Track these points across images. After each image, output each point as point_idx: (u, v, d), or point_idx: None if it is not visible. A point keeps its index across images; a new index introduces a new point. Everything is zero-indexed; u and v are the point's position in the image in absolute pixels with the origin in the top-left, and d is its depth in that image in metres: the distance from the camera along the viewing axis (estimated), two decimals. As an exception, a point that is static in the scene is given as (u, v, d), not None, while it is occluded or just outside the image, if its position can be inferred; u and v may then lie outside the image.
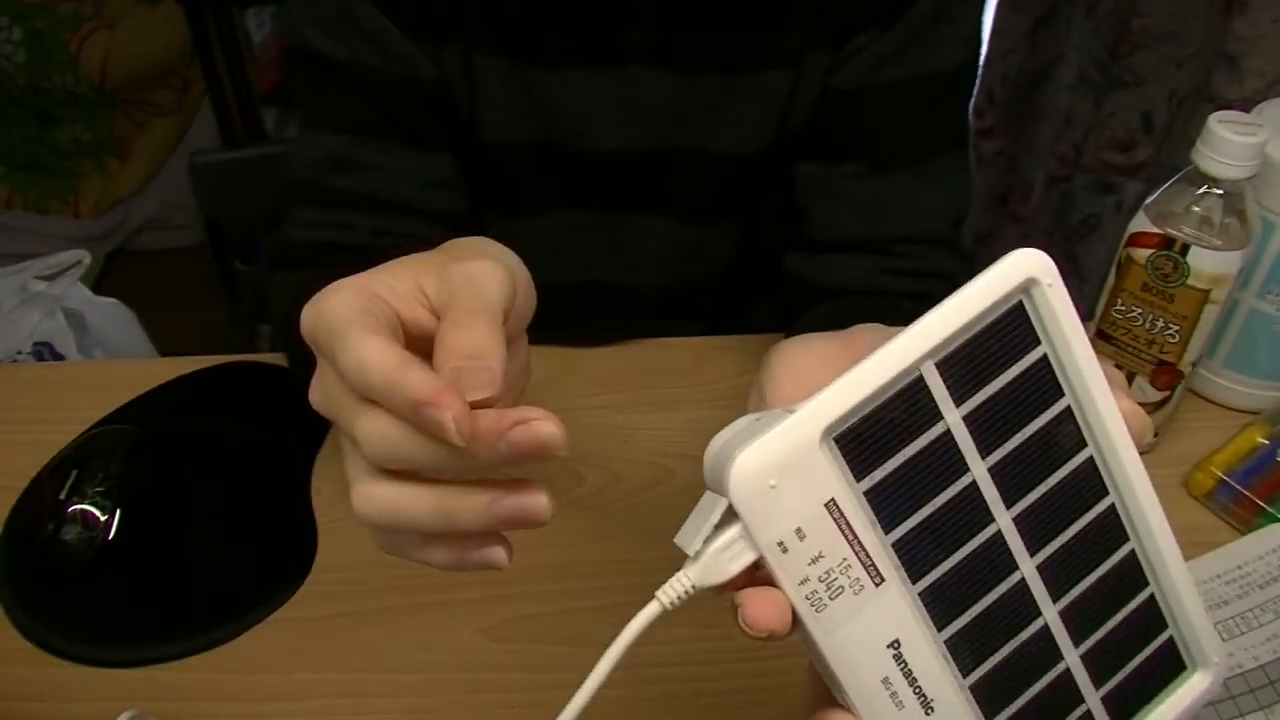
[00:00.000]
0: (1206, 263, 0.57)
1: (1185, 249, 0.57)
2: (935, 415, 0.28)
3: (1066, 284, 0.29)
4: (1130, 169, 1.33)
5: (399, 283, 0.35)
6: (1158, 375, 0.62)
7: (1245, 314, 0.66)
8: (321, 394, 0.34)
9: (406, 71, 0.64)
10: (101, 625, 0.56)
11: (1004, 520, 0.29)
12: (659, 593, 0.30)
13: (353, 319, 0.32)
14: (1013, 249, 0.29)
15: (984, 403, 0.28)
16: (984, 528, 0.29)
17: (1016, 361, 0.29)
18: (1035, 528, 0.30)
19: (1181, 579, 0.32)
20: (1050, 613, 0.30)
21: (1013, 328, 0.29)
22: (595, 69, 0.66)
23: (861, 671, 0.28)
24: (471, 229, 0.71)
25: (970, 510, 0.29)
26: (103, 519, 0.59)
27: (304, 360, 0.36)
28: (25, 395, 0.71)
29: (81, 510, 0.59)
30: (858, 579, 0.28)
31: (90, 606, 0.57)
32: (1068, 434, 0.30)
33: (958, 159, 0.69)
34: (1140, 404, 0.66)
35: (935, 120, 0.68)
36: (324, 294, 0.33)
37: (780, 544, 0.27)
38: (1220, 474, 0.62)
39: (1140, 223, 0.59)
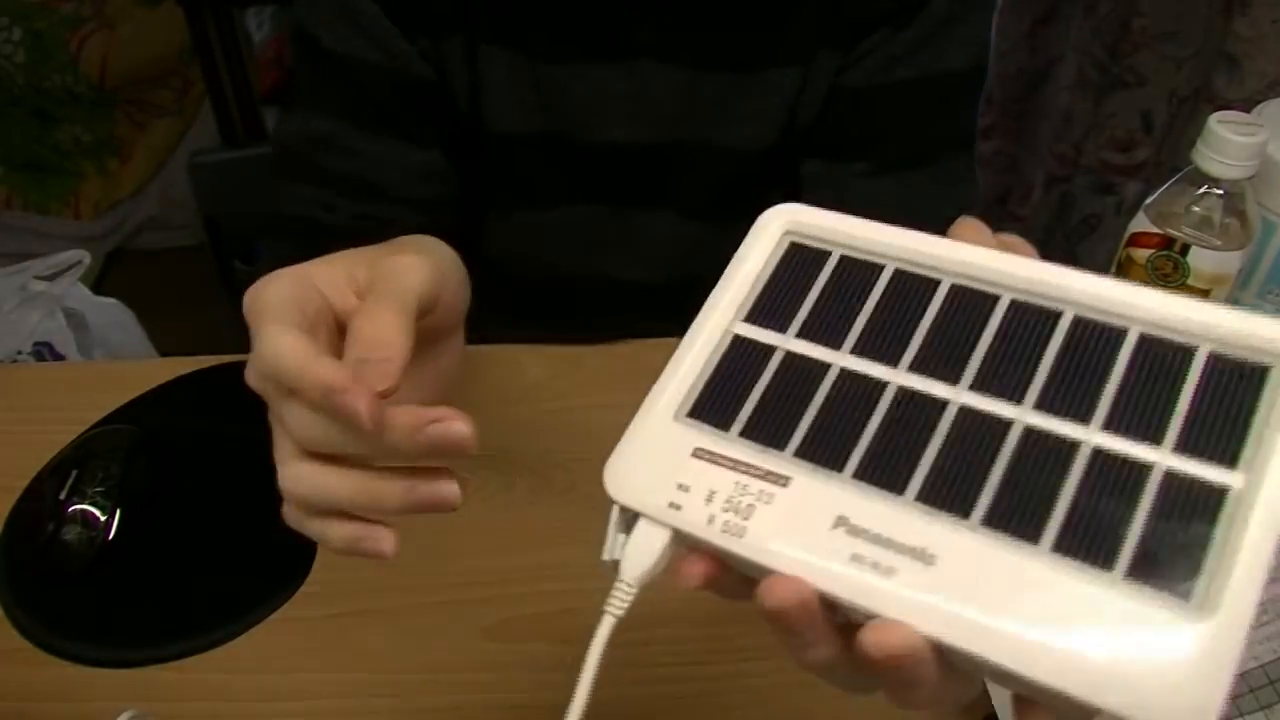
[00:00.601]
0: (1206, 263, 0.57)
1: (1185, 249, 0.57)
2: (769, 350, 0.30)
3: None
4: (1130, 169, 1.33)
5: (334, 272, 0.38)
6: (1158, 375, 0.62)
7: (1245, 314, 0.66)
8: (255, 376, 0.36)
9: (400, 68, 0.65)
10: (101, 625, 0.56)
11: (899, 378, 0.29)
12: (606, 606, 0.30)
13: (272, 312, 0.35)
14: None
15: (809, 316, 0.31)
16: (881, 393, 0.29)
17: (819, 274, 0.31)
18: (937, 363, 0.29)
19: (1167, 303, 0.28)
20: (1023, 414, 0.27)
21: (798, 259, 0.32)
22: (603, 62, 0.66)
23: (822, 559, 0.27)
24: (457, 218, 0.71)
25: (856, 389, 0.29)
26: (103, 519, 0.59)
27: None
28: (25, 395, 0.71)
29: (81, 510, 0.59)
30: (761, 490, 0.28)
31: (90, 606, 0.57)
32: (913, 286, 0.30)
33: (964, 162, 0.69)
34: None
35: (944, 122, 0.68)
36: (264, 281, 0.36)
37: (671, 504, 0.29)
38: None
39: (1140, 223, 0.59)
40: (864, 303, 0.30)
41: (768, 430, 0.29)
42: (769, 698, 0.53)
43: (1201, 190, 0.57)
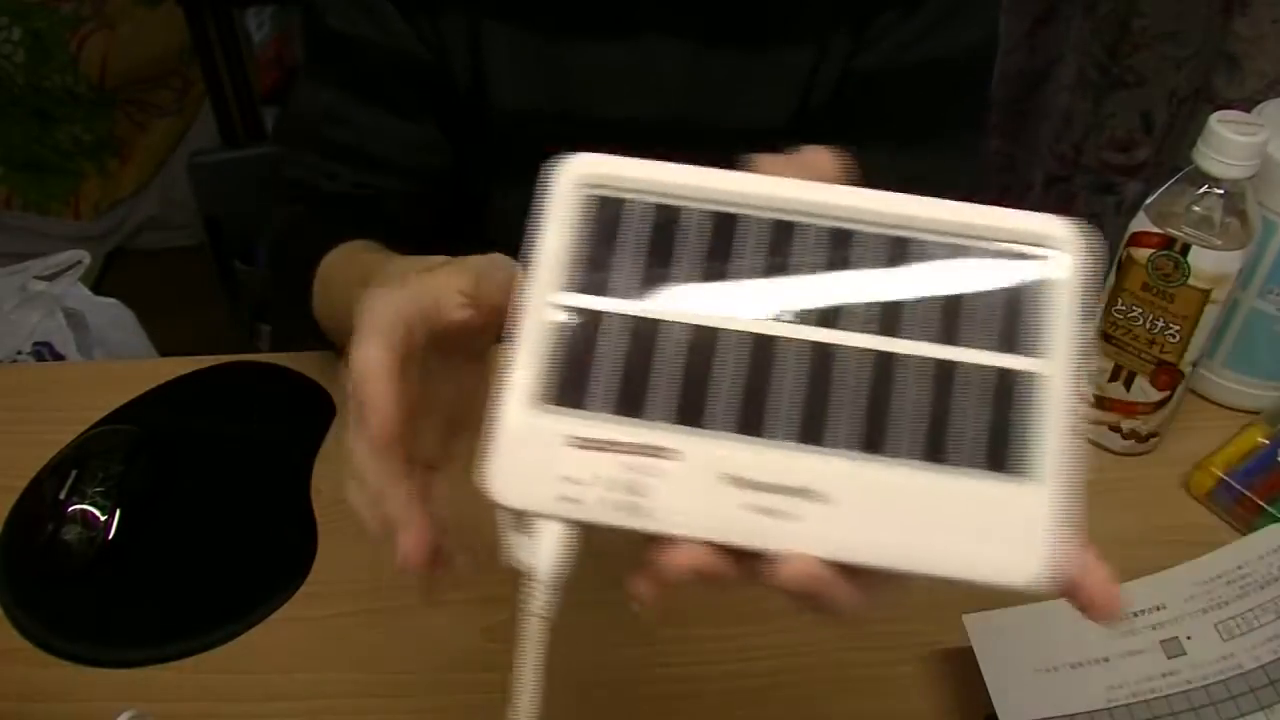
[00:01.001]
0: (1207, 262, 0.57)
1: (1186, 249, 0.57)
2: (600, 317, 0.29)
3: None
4: (1130, 169, 1.33)
5: (443, 289, 0.35)
6: (1158, 375, 0.62)
7: (1245, 314, 0.66)
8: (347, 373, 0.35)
9: (397, 47, 0.67)
10: (101, 625, 0.56)
11: (735, 323, 0.29)
12: (530, 609, 0.30)
13: (377, 326, 0.33)
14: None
15: (630, 272, 0.30)
16: (723, 340, 0.29)
17: (630, 229, 0.30)
18: (766, 300, 0.29)
19: (962, 212, 0.30)
20: (853, 338, 0.29)
21: (604, 213, 0.30)
22: (608, 38, 0.67)
23: (722, 517, 0.28)
24: (451, 189, 0.73)
25: (699, 341, 0.29)
26: (103, 519, 0.59)
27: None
28: (25, 395, 0.71)
29: (81, 510, 0.59)
30: (647, 464, 0.28)
31: (90, 606, 0.57)
32: (723, 226, 0.30)
33: (976, 141, 0.73)
34: (1141, 404, 0.66)
35: (957, 100, 0.71)
36: (360, 343, 0.34)
37: (563, 497, 0.28)
38: (1220, 474, 0.62)
39: (1140, 222, 0.59)
40: (682, 249, 0.30)
41: (629, 402, 0.28)
42: (769, 698, 0.53)
43: (1202, 190, 0.57)
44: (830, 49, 0.68)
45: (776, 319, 0.29)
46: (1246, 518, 0.61)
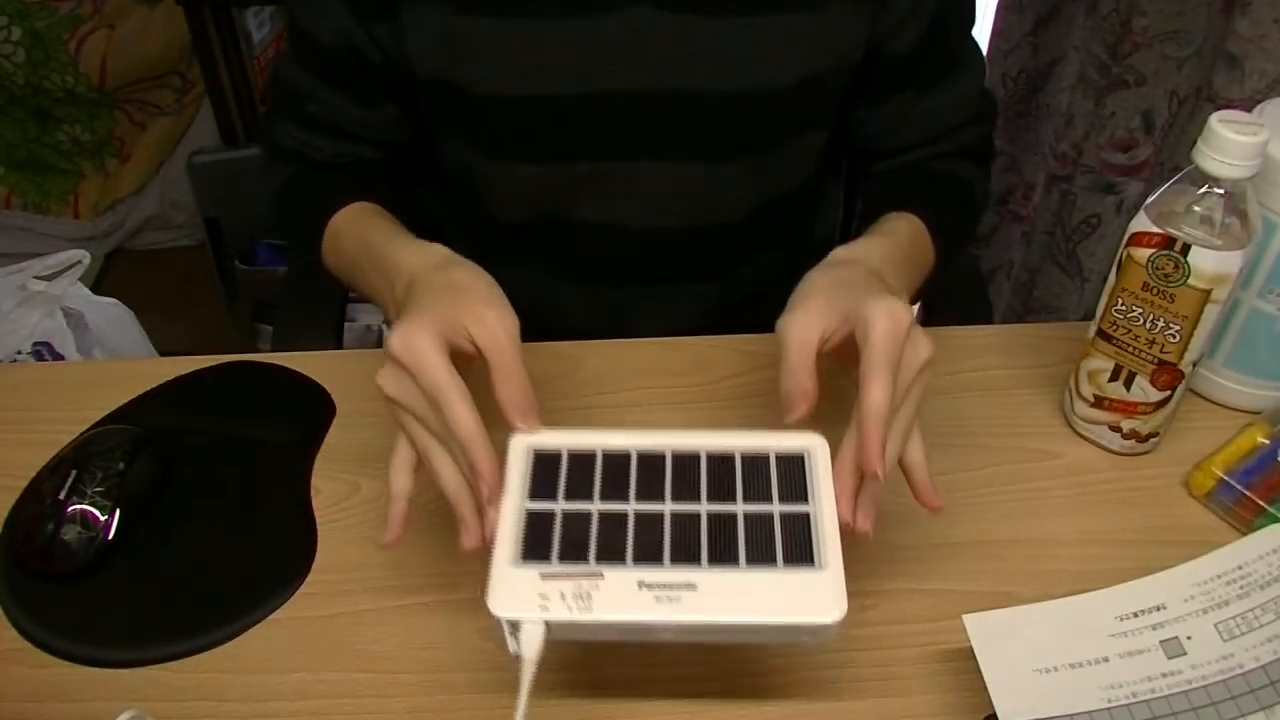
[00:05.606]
0: (1208, 262, 0.57)
1: (1186, 249, 0.57)
2: (551, 512, 0.49)
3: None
4: (1131, 169, 1.33)
5: (453, 332, 0.50)
6: (1158, 375, 0.62)
7: (1246, 314, 0.66)
8: (403, 395, 0.50)
9: (349, 46, 0.72)
10: (101, 625, 0.56)
11: (631, 506, 0.49)
12: (522, 676, 0.45)
13: (453, 384, 0.48)
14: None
15: (565, 487, 0.50)
16: (625, 517, 0.49)
17: (560, 464, 0.51)
18: (647, 493, 0.49)
19: (754, 436, 0.52)
20: (703, 506, 0.49)
21: (543, 459, 0.51)
22: (597, 14, 0.67)
23: (641, 605, 0.45)
24: (419, 153, 0.81)
25: (611, 518, 0.49)
26: (102, 519, 0.59)
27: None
28: (25, 395, 0.71)
29: (81, 510, 0.59)
30: (589, 582, 0.46)
31: (90, 606, 0.57)
32: (614, 459, 0.51)
33: (974, 53, 0.78)
34: (1141, 404, 0.66)
35: (958, 31, 0.75)
36: (411, 331, 0.49)
37: (540, 606, 0.45)
38: (1221, 474, 0.62)
39: (1141, 222, 0.59)
40: (593, 473, 0.50)
41: (573, 553, 0.47)
42: (769, 698, 0.53)
43: (1202, 190, 0.57)
44: (833, 11, 0.69)
45: (656, 501, 0.49)
46: (1246, 518, 0.61)
